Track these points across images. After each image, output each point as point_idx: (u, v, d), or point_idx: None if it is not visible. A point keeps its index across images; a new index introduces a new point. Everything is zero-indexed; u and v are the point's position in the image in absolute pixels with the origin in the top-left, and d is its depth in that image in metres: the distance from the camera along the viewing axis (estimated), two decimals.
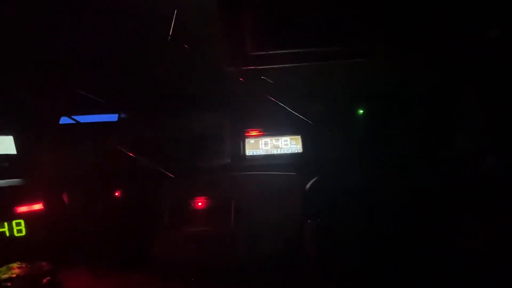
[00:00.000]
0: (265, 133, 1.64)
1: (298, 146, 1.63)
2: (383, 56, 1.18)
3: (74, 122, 1.70)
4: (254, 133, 1.65)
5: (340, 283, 1.22)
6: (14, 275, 1.11)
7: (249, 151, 1.64)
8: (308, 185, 1.46)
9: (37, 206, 1.31)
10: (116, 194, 1.44)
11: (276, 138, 1.64)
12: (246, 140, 1.64)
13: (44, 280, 1.16)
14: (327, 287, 1.22)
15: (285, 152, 1.63)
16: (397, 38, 1.13)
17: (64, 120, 1.73)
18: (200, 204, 1.40)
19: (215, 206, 1.39)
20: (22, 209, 1.30)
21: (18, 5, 1.39)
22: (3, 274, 1.12)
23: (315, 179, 1.47)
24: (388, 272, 1.22)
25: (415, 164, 1.50)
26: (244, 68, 1.18)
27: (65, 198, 1.38)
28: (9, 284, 1.08)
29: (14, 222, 1.30)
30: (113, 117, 1.74)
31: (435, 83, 1.49)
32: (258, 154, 1.63)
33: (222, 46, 1.13)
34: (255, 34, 1.09)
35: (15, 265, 1.16)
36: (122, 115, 1.74)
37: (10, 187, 1.34)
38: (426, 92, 1.52)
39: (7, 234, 1.30)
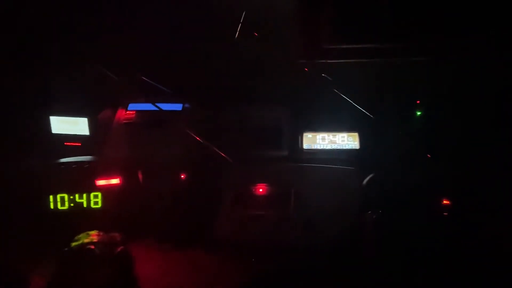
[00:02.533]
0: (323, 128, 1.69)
1: (355, 142, 1.67)
2: (454, 54, 1.20)
3: (141, 109, 1.82)
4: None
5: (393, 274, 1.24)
6: (95, 241, 1.20)
7: (306, 145, 1.69)
8: (365, 181, 1.49)
9: (115, 181, 1.41)
10: (182, 176, 1.53)
11: (333, 133, 1.68)
12: (304, 134, 1.70)
13: (118, 249, 1.24)
14: (380, 276, 1.25)
15: (342, 147, 1.68)
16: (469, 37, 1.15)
17: (132, 106, 1.84)
18: (261, 190, 1.46)
19: (275, 193, 1.45)
20: (101, 182, 1.40)
21: None
22: (85, 239, 1.21)
23: (371, 175, 1.51)
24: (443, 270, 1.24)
25: (474, 166, 1.50)
26: (316, 61, 1.23)
27: (140, 176, 1.47)
28: (92, 247, 1.17)
29: (92, 194, 1.40)
30: (177, 107, 1.84)
31: (501, 84, 1.49)
32: (315, 148, 1.68)
33: (296, 38, 1.18)
34: (330, 27, 1.14)
35: (93, 232, 1.25)
36: (186, 105, 1.83)
37: (92, 162, 1.45)
38: (491, 93, 1.53)
39: (85, 205, 1.41)
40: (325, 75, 1.57)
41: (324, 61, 1.25)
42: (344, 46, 1.19)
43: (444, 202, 1.40)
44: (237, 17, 1.58)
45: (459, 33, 1.15)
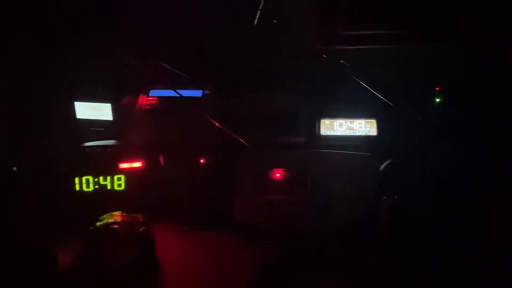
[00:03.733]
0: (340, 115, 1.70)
1: (373, 129, 1.68)
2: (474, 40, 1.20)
3: (162, 95, 1.86)
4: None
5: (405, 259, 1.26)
6: (118, 221, 1.26)
7: (324, 131, 1.71)
8: (382, 167, 1.50)
9: (137, 164, 1.47)
10: (202, 161, 1.57)
11: (351, 120, 1.70)
12: (322, 120, 1.71)
13: (140, 229, 1.30)
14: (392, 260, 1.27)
15: (360, 134, 1.69)
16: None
17: (153, 93, 1.89)
18: (278, 175, 1.49)
19: (292, 178, 1.48)
20: (124, 165, 1.46)
21: None
22: (109, 219, 1.27)
23: (388, 161, 1.52)
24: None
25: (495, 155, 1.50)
26: (334, 47, 1.24)
27: (161, 160, 1.53)
28: (116, 226, 1.23)
29: (115, 177, 1.46)
30: (197, 93, 1.88)
31: None
32: (332, 134, 1.70)
33: (314, 25, 1.19)
34: (348, 14, 1.15)
35: (117, 213, 1.31)
36: (206, 92, 1.87)
37: (115, 146, 1.50)
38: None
39: (108, 187, 1.47)
40: (343, 61, 1.58)
41: (342, 47, 1.26)
42: (362, 32, 1.20)
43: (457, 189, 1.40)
44: (255, 4, 1.61)
45: (479, 18, 1.14)
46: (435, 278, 1.19)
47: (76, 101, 1.83)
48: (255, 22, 1.61)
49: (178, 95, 1.77)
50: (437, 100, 1.72)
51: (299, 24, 1.39)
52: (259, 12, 1.64)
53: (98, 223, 1.25)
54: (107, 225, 1.24)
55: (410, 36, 1.20)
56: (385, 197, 1.32)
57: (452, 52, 1.58)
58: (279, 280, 1.24)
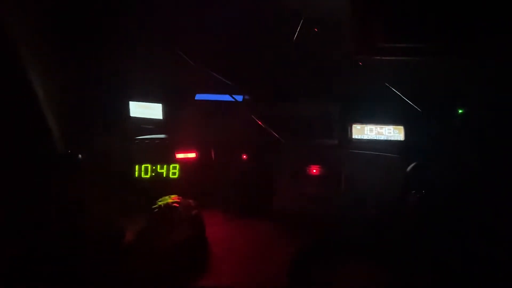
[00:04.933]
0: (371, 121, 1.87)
1: (401, 135, 1.84)
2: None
3: (207, 99, 2.05)
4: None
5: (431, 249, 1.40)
6: (177, 202, 1.43)
7: (355, 135, 1.87)
8: (409, 168, 1.65)
9: (191, 155, 1.65)
10: (244, 157, 1.75)
11: (380, 126, 1.86)
12: (353, 125, 1.88)
13: (194, 212, 1.46)
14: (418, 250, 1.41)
15: (388, 139, 1.85)
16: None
17: (198, 96, 2.08)
18: (315, 170, 1.66)
19: (327, 174, 1.65)
20: (180, 155, 1.64)
21: None
22: (169, 200, 1.44)
23: (415, 163, 1.67)
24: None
25: None
26: (371, 58, 1.41)
27: (212, 153, 1.71)
28: (177, 205, 1.40)
29: (171, 166, 1.65)
30: (239, 98, 2.06)
31: None
32: (363, 138, 1.87)
33: (353, 35, 1.36)
34: (385, 27, 1.31)
35: (174, 196, 1.48)
36: (246, 97, 2.05)
37: (174, 138, 1.69)
38: None
39: (164, 175, 1.65)
40: (375, 71, 1.74)
41: (378, 57, 1.42)
42: (397, 45, 1.35)
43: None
44: (297, 15, 1.78)
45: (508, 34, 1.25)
46: (463, 267, 1.32)
47: (131, 100, 2.03)
48: (297, 33, 1.78)
49: (222, 100, 1.95)
50: (460, 111, 1.87)
51: (338, 36, 1.57)
52: (301, 23, 1.82)
53: (160, 202, 1.42)
54: (168, 205, 1.40)
55: (441, 49, 1.33)
56: (413, 191, 1.47)
57: (479, 66, 1.71)
58: (313, 265, 1.39)
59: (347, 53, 1.54)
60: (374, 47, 1.37)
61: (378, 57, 1.39)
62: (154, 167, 1.66)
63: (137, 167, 1.65)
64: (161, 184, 1.64)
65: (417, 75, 1.75)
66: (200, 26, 2.02)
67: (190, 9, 2.01)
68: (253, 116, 1.86)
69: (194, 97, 2.08)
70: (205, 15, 2.01)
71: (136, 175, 1.66)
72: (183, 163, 1.66)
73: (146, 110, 2.02)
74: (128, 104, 2.03)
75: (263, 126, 1.80)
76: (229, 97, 2.03)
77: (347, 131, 1.87)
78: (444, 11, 1.23)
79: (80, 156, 1.70)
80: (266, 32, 1.93)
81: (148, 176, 1.66)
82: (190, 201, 1.50)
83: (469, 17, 1.23)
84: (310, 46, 1.70)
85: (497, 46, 1.31)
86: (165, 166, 1.65)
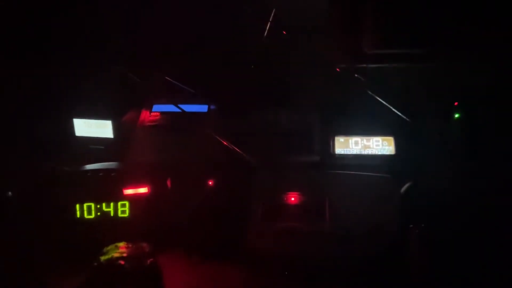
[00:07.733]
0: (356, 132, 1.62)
1: (391, 147, 1.59)
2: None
3: (165, 110, 1.77)
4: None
5: None
6: (124, 254, 1.16)
7: (338, 150, 1.62)
8: (403, 189, 1.42)
9: (143, 190, 1.37)
10: (210, 183, 1.48)
11: (367, 138, 1.61)
12: (336, 138, 1.62)
13: (147, 261, 1.20)
14: None
15: (377, 153, 1.60)
16: None
17: (156, 108, 1.80)
18: (293, 199, 1.40)
19: (308, 203, 1.39)
20: (128, 191, 1.36)
21: None
22: (114, 253, 1.17)
23: (409, 183, 1.43)
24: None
25: None
26: (356, 65, 1.17)
27: (169, 184, 1.43)
28: (122, 262, 1.12)
29: (119, 203, 1.36)
30: (203, 108, 1.78)
31: None
32: (347, 153, 1.61)
33: (337, 43, 1.13)
34: (371, 33, 1.09)
35: (122, 244, 1.21)
36: (212, 107, 1.78)
37: (119, 170, 1.41)
38: None
39: (112, 214, 1.37)
40: (358, 76, 1.50)
41: (364, 65, 1.18)
42: (384, 51, 1.13)
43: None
44: (266, 17, 1.53)
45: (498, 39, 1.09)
46: None
47: (75, 117, 1.73)
48: (265, 35, 1.53)
49: (182, 111, 1.68)
50: (456, 115, 1.64)
51: (315, 40, 1.31)
52: (269, 24, 1.56)
53: (103, 257, 1.15)
54: (112, 260, 1.13)
55: (430, 55, 1.14)
56: (411, 225, 1.22)
57: (472, 68, 1.51)
58: None
59: (329, 59, 1.28)
60: (360, 54, 1.13)
61: (364, 65, 1.15)
62: (99, 206, 1.37)
63: (78, 206, 1.36)
64: (110, 226, 1.36)
65: (406, 79, 1.51)
66: (156, 27, 1.75)
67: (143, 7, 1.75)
68: (220, 130, 1.59)
69: (151, 109, 1.79)
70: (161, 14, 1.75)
71: (78, 216, 1.36)
72: (134, 199, 1.37)
73: (94, 128, 1.73)
74: (72, 122, 1.72)
75: (232, 142, 1.54)
76: (194, 107, 1.75)
77: (329, 145, 1.62)
78: (430, 16, 1.04)
79: (9, 193, 1.42)
80: (233, 34, 1.67)
81: (92, 216, 1.37)
82: (144, 245, 1.24)
83: (458, 23, 1.03)
84: (282, 51, 1.43)
85: (488, 51, 1.11)
86: (112, 204, 1.37)
